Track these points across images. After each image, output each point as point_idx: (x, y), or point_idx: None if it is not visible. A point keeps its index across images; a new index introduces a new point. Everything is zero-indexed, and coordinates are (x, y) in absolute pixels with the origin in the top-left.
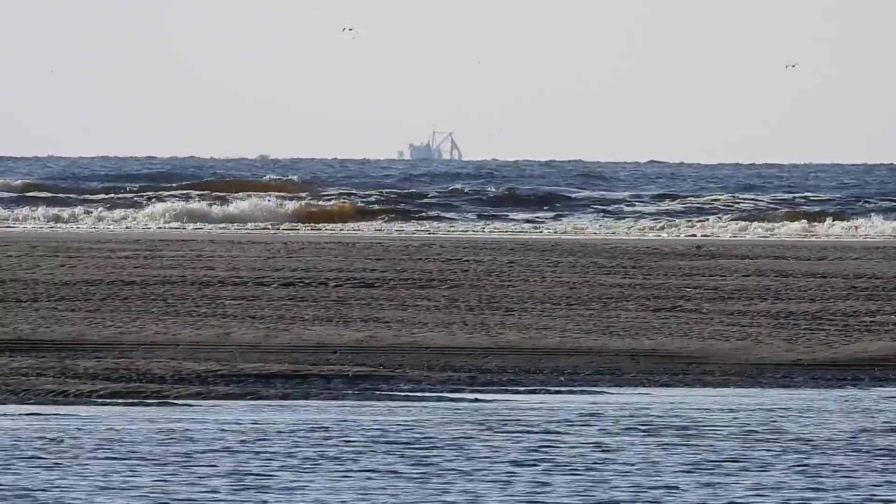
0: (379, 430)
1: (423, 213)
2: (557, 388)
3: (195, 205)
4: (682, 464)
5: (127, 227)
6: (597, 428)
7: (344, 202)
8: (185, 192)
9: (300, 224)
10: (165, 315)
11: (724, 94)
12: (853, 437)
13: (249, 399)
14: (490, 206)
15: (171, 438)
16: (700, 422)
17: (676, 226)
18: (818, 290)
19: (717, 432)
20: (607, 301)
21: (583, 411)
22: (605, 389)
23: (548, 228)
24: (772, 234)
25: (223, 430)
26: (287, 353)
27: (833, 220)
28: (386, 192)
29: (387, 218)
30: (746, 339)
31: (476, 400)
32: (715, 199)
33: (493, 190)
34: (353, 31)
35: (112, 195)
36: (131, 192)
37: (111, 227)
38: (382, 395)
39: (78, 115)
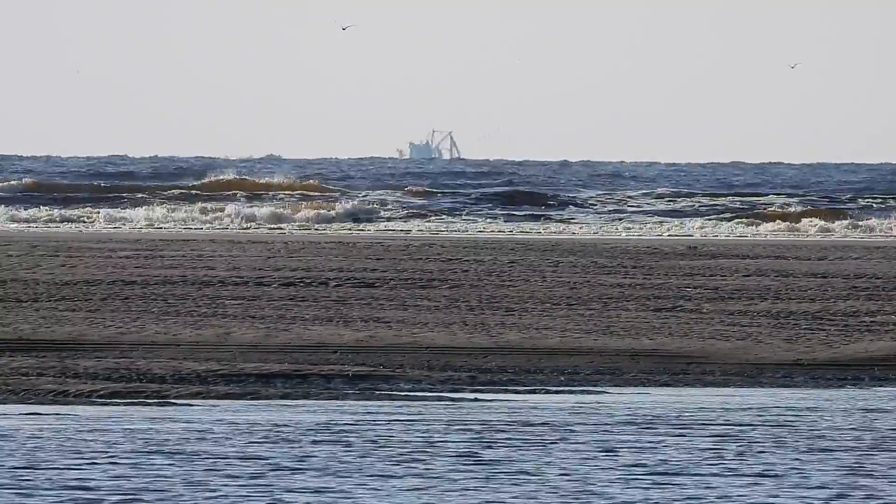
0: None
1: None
2: (557, 388)
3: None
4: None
5: (210, 227)
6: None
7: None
8: (294, 193)
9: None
10: (165, 315)
11: (723, 94)
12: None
13: (250, 399)
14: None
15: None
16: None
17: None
18: (818, 290)
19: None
20: (607, 301)
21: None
22: (606, 389)
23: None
24: (783, 233)
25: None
26: (287, 353)
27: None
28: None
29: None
30: (746, 339)
31: (476, 400)
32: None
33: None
34: (351, 26)
35: (178, 193)
36: (193, 190)
37: (199, 228)
38: (382, 395)
39: (77, 116)
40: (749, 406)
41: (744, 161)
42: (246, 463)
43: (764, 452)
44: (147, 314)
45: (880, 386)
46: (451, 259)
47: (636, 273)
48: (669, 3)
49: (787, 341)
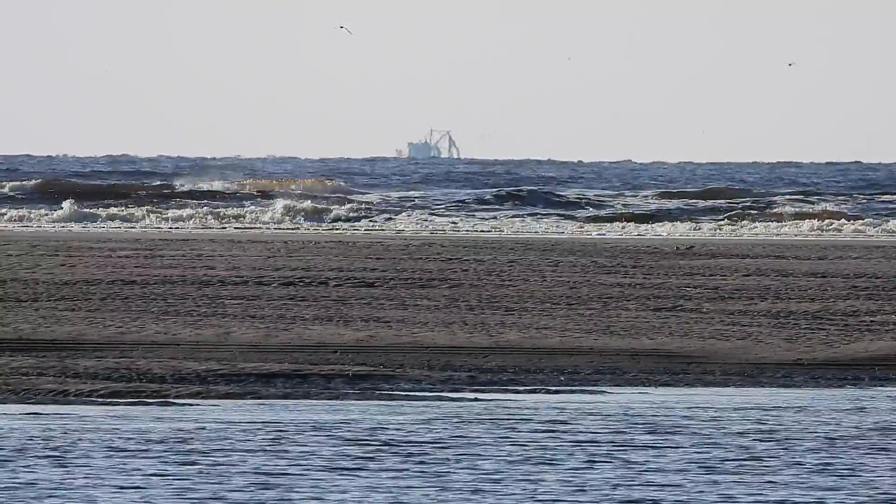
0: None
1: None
2: (557, 388)
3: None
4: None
5: (248, 228)
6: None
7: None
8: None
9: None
10: (165, 315)
11: (724, 94)
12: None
13: (250, 399)
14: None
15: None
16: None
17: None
18: (818, 290)
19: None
20: (607, 301)
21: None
22: (606, 389)
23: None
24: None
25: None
26: (287, 353)
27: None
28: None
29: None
30: (746, 339)
31: (476, 399)
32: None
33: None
34: (347, 27)
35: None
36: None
37: (234, 228)
38: (382, 395)
39: (77, 116)
40: (749, 406)
41: (743, 161)
42: (246, 463)
43: (768, 451)
44: (147, 314)
45: (881, 385)
46: (450, 259)
47: (636, 273)
48: (669, 2)
49: (787, 341)
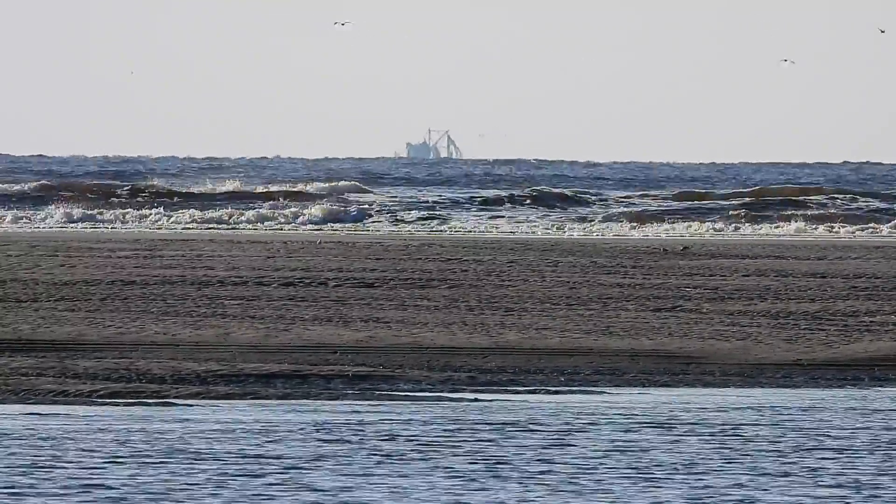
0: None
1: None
2: (557, 388)
3: None
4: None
5: (281, 229)
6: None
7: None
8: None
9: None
10: (165, 315)
11: (723, 94)
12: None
13: (249, 399)
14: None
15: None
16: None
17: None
18: (818, 290)
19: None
20: (607, 301)
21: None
22: (605, 389)
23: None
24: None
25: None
26: (287, 353)
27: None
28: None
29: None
30: (746, 339)
31: (476, 400)
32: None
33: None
34: (346, 24)
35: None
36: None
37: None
38: (382, 395)
39: (73, 114)
40: (749, 406)
41: (743, 161)
42: (246, 463)
43: (762, 451)
44: (146, 314)
45: (880, 386)
46: (450, 259)
47: (636, 273)
48: (670, 3)
49: (787, 341)
